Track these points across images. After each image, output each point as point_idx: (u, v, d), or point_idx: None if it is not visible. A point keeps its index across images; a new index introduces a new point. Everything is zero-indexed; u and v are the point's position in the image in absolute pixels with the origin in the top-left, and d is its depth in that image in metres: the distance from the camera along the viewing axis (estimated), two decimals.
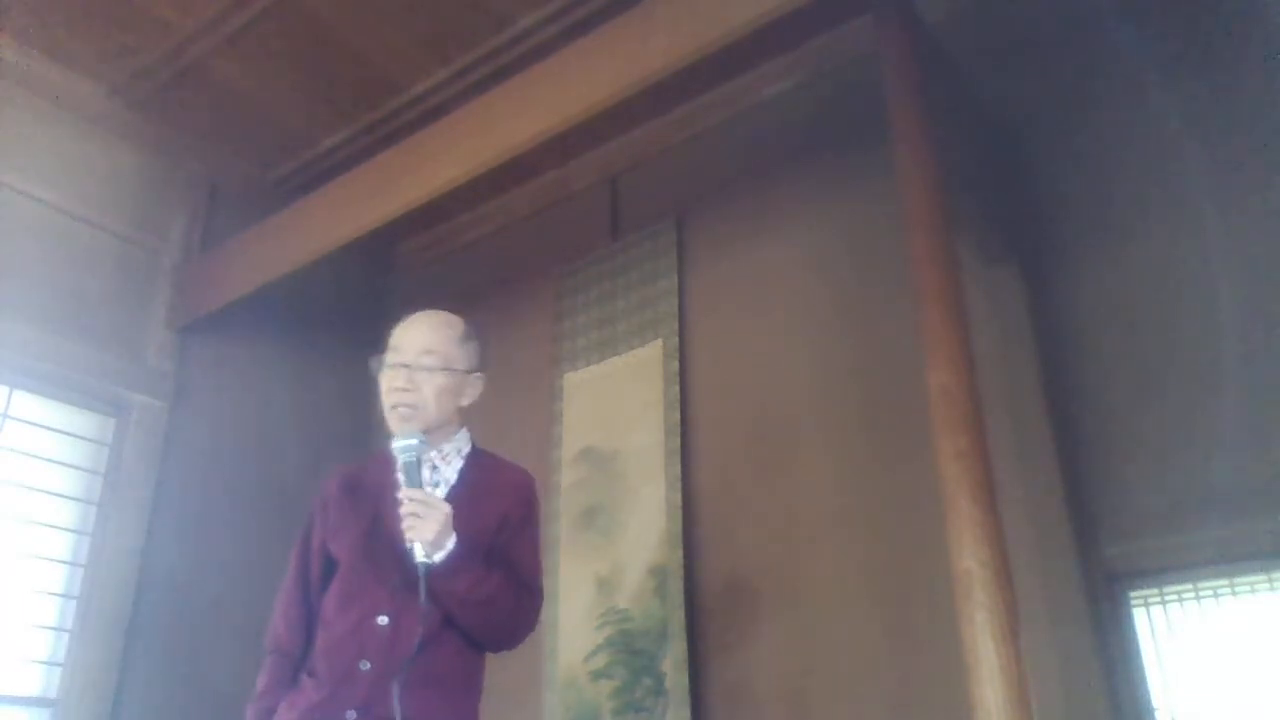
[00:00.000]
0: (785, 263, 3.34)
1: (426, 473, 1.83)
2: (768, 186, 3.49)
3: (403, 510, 1.68)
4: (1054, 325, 2.78)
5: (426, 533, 1.66)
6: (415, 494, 1.69)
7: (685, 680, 3.00)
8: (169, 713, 3.32)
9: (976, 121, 3.00)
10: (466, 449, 1.94)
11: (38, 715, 3.12)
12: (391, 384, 1.84)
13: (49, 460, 3.29)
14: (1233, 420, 2.42)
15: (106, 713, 3.17)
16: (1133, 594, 2.52)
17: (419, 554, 1.67)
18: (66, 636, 3.20)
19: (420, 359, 1.85)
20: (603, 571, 3.33)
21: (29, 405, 3.29)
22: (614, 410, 3.53)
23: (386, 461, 1.87)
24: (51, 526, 3.26)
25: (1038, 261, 2.86)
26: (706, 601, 3.11)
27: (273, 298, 3.73)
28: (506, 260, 4.25)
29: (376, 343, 5.06)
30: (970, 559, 2.01)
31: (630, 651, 3.16)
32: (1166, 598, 2.49)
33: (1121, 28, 2.85)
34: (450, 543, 1.70)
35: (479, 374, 1.94)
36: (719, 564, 3.13)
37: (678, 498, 3.23)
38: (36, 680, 3.14)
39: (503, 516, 1.85)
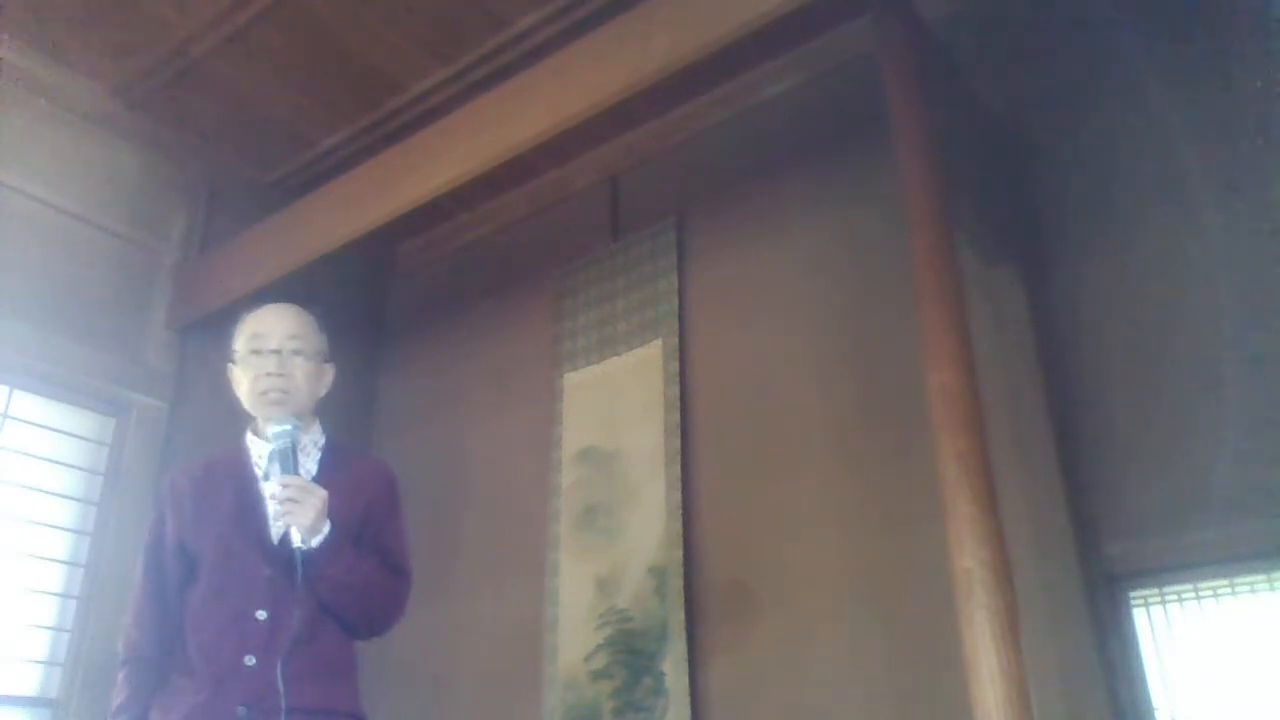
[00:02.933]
0: (785, 262, 3.34)
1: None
2: (768, 186, 3.49)
3: (279, 495, 1.67)
4: (1054, 325, 2.78)
5: (304, 518, 1.66)
6: (292, 480, 1.69)
7: (685, 680, 3.00)
8: None
9: (976, 121, 3.00)
10: (322, 441, 1.93)
11: (38, 715, 3.12)
12: (261, 370, 1.83)
13: (49, 460, 3.29)
14: (1233, 420, 2.42)
15: (106, 713, 3.16)
16: (1133, 594, 2.51)
17: (296, 539, 1.67)
18: (66, 636, 3.20)
19: (288, 343, 1.85)
20: (603, 571, 3.33)
21: (29, 405, 3.29)
22: (614, 410, 3.53)
23: (239, 455, 1.87)
24: (51, 526, 3.26)
25: (1038, 261, 2.86)
26: (706, 601, 3.11)
27: (272, 298, 3.72)
28: (506, 260, 4.25)
29: (377, 343, 5.07)
30: (970, 559, 2.01)
31: (630, 651, 3.16)
32: (1166, 598, 2.49)
33: (1121, 27, 2.85)
34: (326, 528, 1.70)
35: (331, 364, 1.96)
36: (719, 564, 3.13)
37: (678, 498, 3.23)
38: (36, 680, 3.14)
39: (367, 506, 1.85)
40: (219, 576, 1.76)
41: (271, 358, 1.84)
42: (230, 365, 1.93)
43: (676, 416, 3.35)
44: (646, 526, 3.27)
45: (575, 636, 3.31)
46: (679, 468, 3.27)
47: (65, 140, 3.57)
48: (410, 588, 1.90)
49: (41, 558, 3.22)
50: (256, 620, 1.71)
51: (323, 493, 1.70)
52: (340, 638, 1.78)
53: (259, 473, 1.83)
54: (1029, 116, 3.00)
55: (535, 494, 3.65)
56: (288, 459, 1.72)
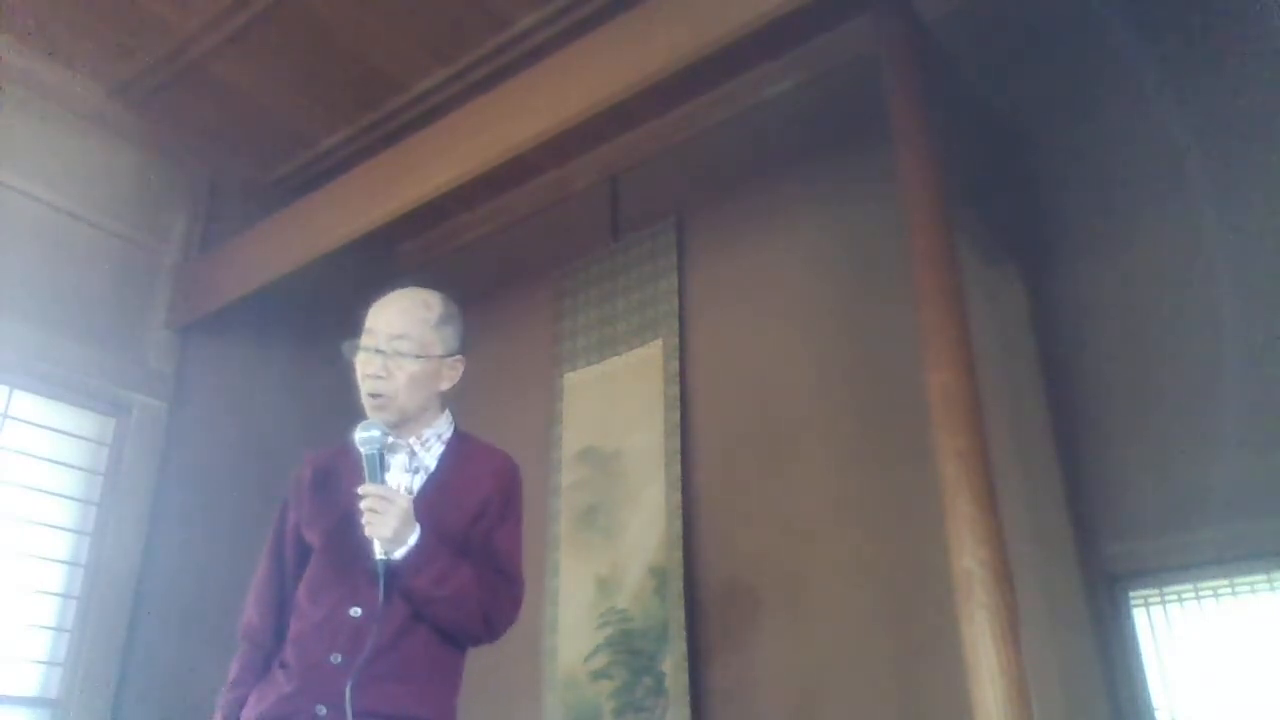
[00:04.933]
0: (785, 263, 3.34)
1: (404, 459, 1.80)
2: (768, 186, 3.49)
3: (362, 505, 1.64)
4: (1054, 325, 2.78)
5: (384, 529, 1.62)
6: (373, 489, 1.65)
7: (685, 680, 3.00)
8: (169, 713, 3.31)
9: (977, 122, 3.00)
10: (448, 434, 1.88)
11: (38, 715, 3.12)
12: (364, 370, 1.79)
13: (49, 460, 3.29)
14: (1233, 420, 2.41)
15: (106, 713, 3.17)
16: (1133, 594, 2.51)
17: (378, 551, 1.64)
18: (66, 636, 3.20)
19: (393, 344, 1.79)
20: (603, 571, 3.33)
21: (29, 405, 3.29)
22: (614, 410, 3.53)
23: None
24: (51, 526, 3.26)
25: (1038, 261, 2.86)
26: (706, 601, 3.11)
27: (273, 298, 3.73)
28: (506, 260, 4.25)
29: None
30: (970, 559, 2.01)
31: (630, 651, 3.16)
32: (1166, 598, 2.49)
33: (1121, 27, 2.85)
34: (412, 538, 1.65)
35: (458, 357, 1.88)
36: (719, 564, 3.13)
37: (678, 498, 3.23)
38: (36, 680, 3.14)
39: (482, 504, 1.80)
40: (324, 570, 1.74)
41: (376, 358, 1.78)
42: None
43: (676, 416, 3.35)
44: (646, 526, 3.27)
45: (575, 636, 3.31)
46: (679, 468, 3.27)
47: (65, 140, 3.57)
48: (521, 592, 1.85)
49: (41, 558, 3.22)
50: (350, 618, 1.67)
51: (405, 502, 1.65)
52: (433, 644, 1.72)
53: (383, 468, 1.77)
54: (1029, 116, 2.99)
55: (535, 494, 3.65)
56: (374, 466, 1.67)
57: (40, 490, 3.25)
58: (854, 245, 3.18)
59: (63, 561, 3.26)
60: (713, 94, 3.71)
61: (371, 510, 1.63)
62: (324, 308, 4.25)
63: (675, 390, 3.39)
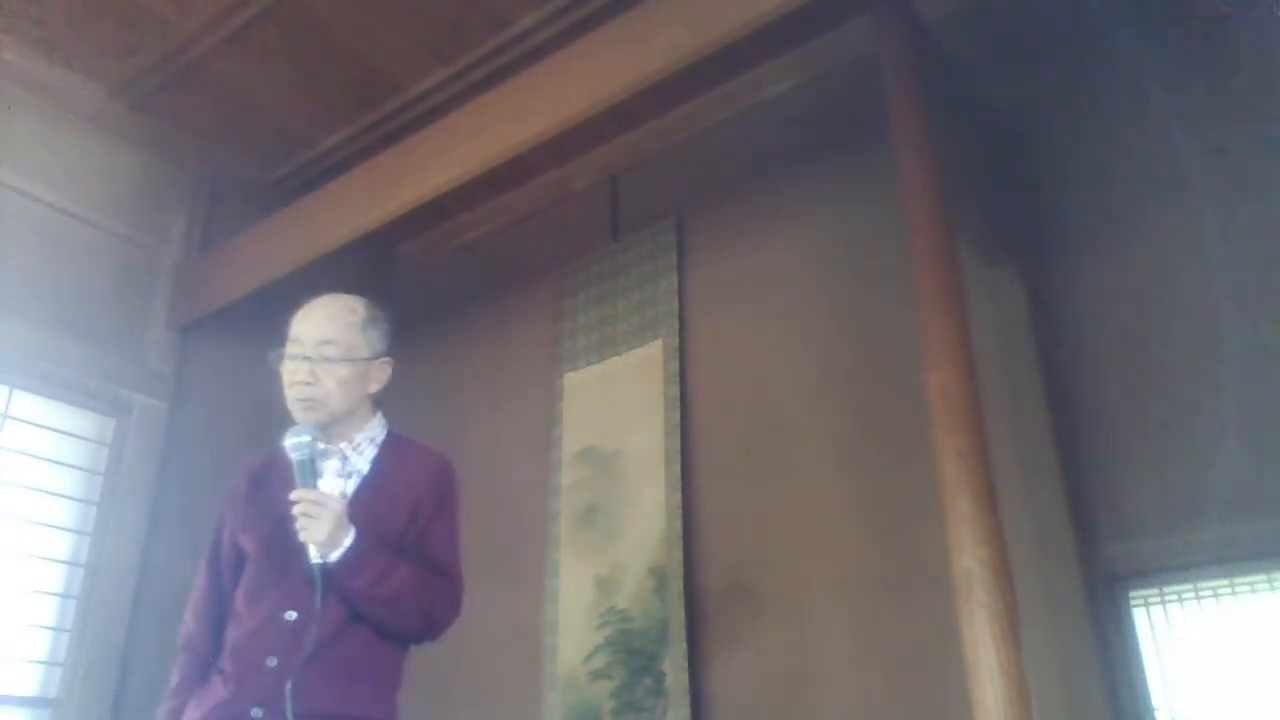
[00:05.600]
0: (785, 262, 3.34)
1: (337, 464, 1.81)
2: (768, 186, 3.49)
3: (295, 511, 1.65)
4: (1054, 325, 2.78)
5: (318, 534, 1.63)
6: (306, 494, 1.66)
7: (685, 680, 3.00)
8: None
9: (976, 121, 3.00)
10: (381, 437, 1.89)
11: (38, 715, 3.12)
12: (292, 377, 1.80)
13: (49, 460, 3.29)
14: (1232, 420, 2.42)
15: (106, 713, 3.17)
16: (1133, 594, 2.51)
17: (313, 555, 1.65)
18: (66, 636, 3.20)
19: (320, 349, 1.81)
20: (603, 571, 3.33)
21: (29, 405, 3.29)
22: (614, 410, 3.53)
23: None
24: (51, 526, 3.26)
25: (1038, 261, 2.86)
26: (706, 601, 3.11)
27: (273, 298, 3.72)
28: (506, 260, 4.25)
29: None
30: (970, 559, 2.01)
31: (630, 651, 3.16)
32: (1166, 598, 2.49)
33: (1121, 27, 2.85)
34: (347, 540, 1.66)
35: (385, 359, 1.90)
36: (719, 564, 3.13)
37: (678, 498, 3.23)
38: (36, 680, 3.14)
39: (416, 505, 1.81)
40: (259, 576, 1.75)
41: (303, 364, 1.80)
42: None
43: (676, 416, 3.35)
44: (646, 526, 3.27)
45: (575, 636, 3.31)
46: (679, 468, 3.27)
47: (65, 140, 3.57)
48: (461, 590, 1.86)
49: (41, 558, 3.22)
50: (286, 621, 1.69)
51: (338, 506, 1.66)
52: (372, 643, 1.73)
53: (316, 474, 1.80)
54: (1029, 116, 2.99)
55: (535, 494, 3.65)
56: (305, 471, 1.68)
57: (40, 490, 3.25)
58: (854, 245, 3.18)
59: (63, 561, 3.26)
60: (713, 94, 3.71)
61: (305, 515, 1.64)
62: None
63: (675, 390, 3.39)
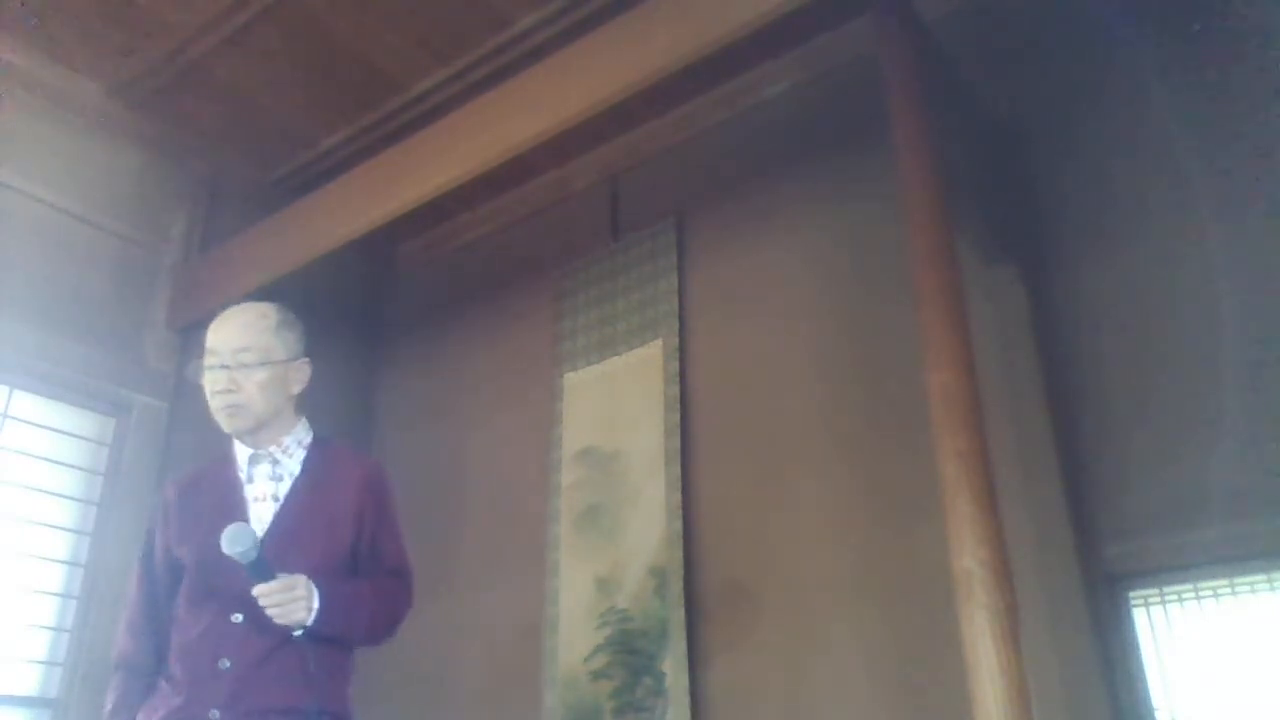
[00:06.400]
0: (785, 262, 3.34)
1: (268, 468, 1.85)
2: (767, 186, 3.49)
3: (265, 606, 1.65)
4: (1054, 325, 2.78)
5: (300, 615, 1.66)
6: (270, 588, 1.65)
7: (685, 680, 3.00)
8: None
9: (976, 121, 3.00)
10: (308, 439, 1.92)
11: (38, 715, 3.12)
12: (213, 387, 1.84)
13: (49, 460, 3.29)
14: (1233, 420, 2.42)
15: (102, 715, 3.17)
16: (1133, 594, 2.51)
17: (296, 631, 1.68)
18: (66, 636, 3.20)
19: (237, 357, 1.84)
20: (603, 571, 3.33)
21: (29, 405, 3.29)
22: (614, 410, 3.53)
23: (225, 460, 1.89)
24: (51, 526, 3.26)
25: (1038, 261, 2.86)
26: (706, 601, 3.11)
27: (273, 297, 3.71)
28: (506, 260, 4.25)
29: (377, 343, 5.07)
30: (970, 559, 2.01)
31: (630, 651, 3.16)
32: (1166, 598, 2.49)
33: (1121, 27, 2.85)
34: (316, 603, 1.69)
35: (303, 359, 1.93)
36: (719, 564, 3.13)
37: (678, 498, 3.23)
38: (36, 680, 3.14)
39: (358, 509, 1.84)
40: (201, 582, 1.77)
41: (221, 374, 1.83)
42: None
43: (676, 416, 3.35)
44: (646, 526, 3.27)
45: (575, 636, 3.31)
46: (679, 468, 3.27)
47: (65, 140, 3.57)
48: (412, 584, 1.91)
49: (41, 558, 3.22)
50: (232, 623, 1.72)
51: (301, 582, 1.67)
52: (325, 643, 1.76)
53: (243, 476, 1.85)
54: (1029, 116, 3.00)
55: (535, 494, 3.65)
56: (259, 570, 1.65)
57: (40, 490, 3.25)
58: (854, 245, 3.18)
59: (63, 561, 3.26)
60: (713, 94, 3.71)
61: (278, 606, 1.65)
62: (324, 308, 4.25)
63: (675, 390, 3.38)
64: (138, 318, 3.64)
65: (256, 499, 1.83)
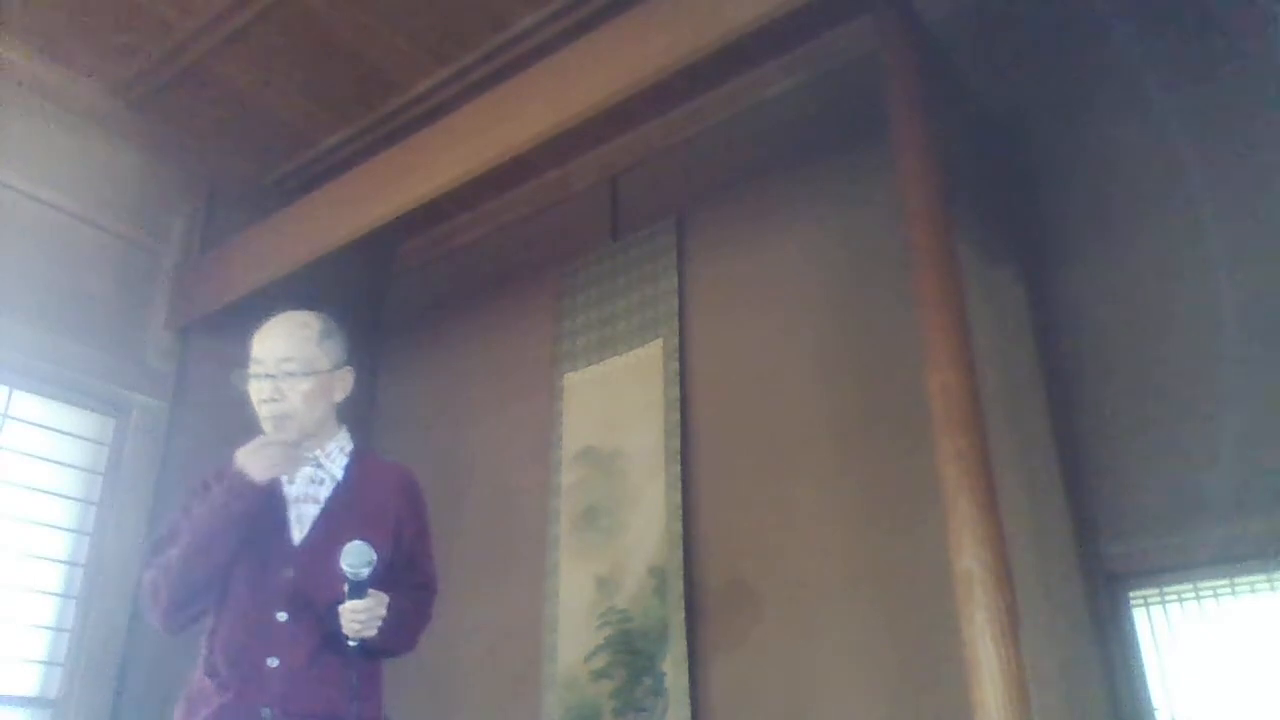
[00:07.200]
0: (785, 263, 3.34)
1: (311, 470, 1.89)
2: (768, 186, 3.49)
3: (351, 622, 1.70)
4: (1054, 325, 2.78)
5: (372, 631, 1.72)
6: (363, 604, 1.71)
7: (685, 680, 3.00)
8: (169, 713, 3.31)
9: (976, 121, 3.00)
10: (349, 447, 1.97)
11: (38, 715, 3.12)
12: (259, 396, 1.88)
13: (49, 460, 3.29)
14: (1232, 420, 2.42)
15: (106, 713, 3.17)
16: (1133, 594, 2.51)
17: (353, 641, 1.73)
18: (66, 636, 3.20)
19: (281, 367, 1.88)
20: (603, 571, 3.33)
21: (29, 405, 3.29)
22: (614, 410, 3.53)
23: None
24: (51, 526, 3.26)
25: (1038, 261, 2.86)
26: (706, 601, 3.11)
27: (273, 297, 3.72)
28: (506, 260, 4.25)
29: (377, 343, 5.06)
30: (970, 559, 2.01)
31: (630, 651, 3.16)
32: (1166, 598, 2.49)
33: (1121, 28, 2.85)
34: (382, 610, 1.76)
35: (346, 368, 1.97)
36: (719, 564, 3.13)
37: (678, 498, 3.23)
38: (36, 680, 3.14)
39: (397, 520, 1.89)
40: (243, 578, 1.79)
41: (267, 383, 1.87)
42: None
43: (676, 416, 3.35)
44: (646, 526, 3.27)
45: (575, 636, 3.31)
46: (679, 468, 3.27)
47: (65, 140, 3.57)
48: (435, 594, 1.99)
49: (41, 558, 3.22)
50: (278, 621, 1.75)
51: (384, 601, 1.74)
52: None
53: (284, 477, 1.88)
54: (1029, 116, 2.99)
55: (535, 494, 3.65)
56: (360, 588, 1.71)
57: (40, 490, 3.25)
58: (854, 245, 3.18)
59: (63, 561, 3.26)
60: (713, 94, 3.71)
61: (363, 624, 1.71)
62: (324, 308, 4.25)
63: (675, 390, 3.38)
64: (138, 318, 3.64)
65: (297, 499, 1.87)
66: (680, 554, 3.15)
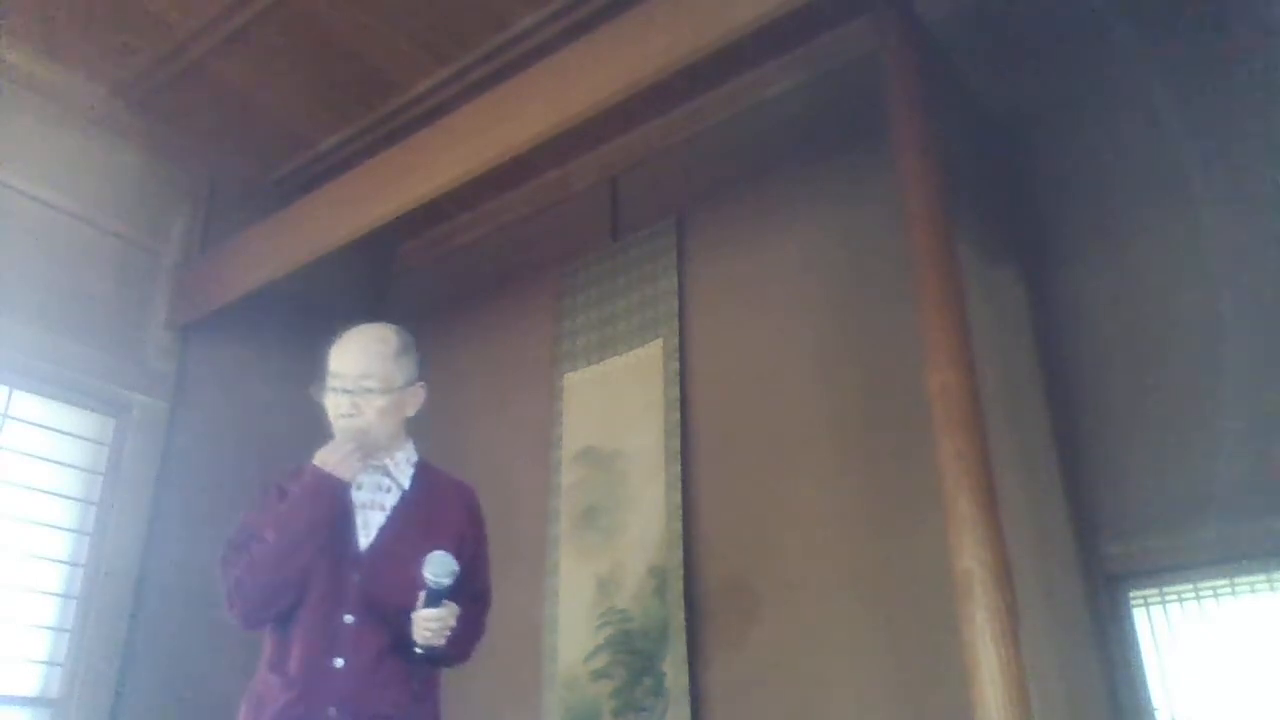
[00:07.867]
0: (785, 263, 3.34)
1: (379, 478, 1.93)
2: (768, 186, 3.49)
3: (424, 631, 1.76)
4: (1054, 326, 2.78)
5: (442, 640, 1.78)
6: (439, 613, 1.76)
7: (685, 680, 3.00)
8: (169, 713, 3.32)
9: (976, 121, 3.00)
10: (415, 459, 2.01)
11: (38, 715, 3.12)
12: (336, 410, 1.90)
13: (49, 460, 3.29)
14: (1232, 420, 2.41)
15: (106, 713, 3.17)
16: (1133, 594, 2.51)
17: (419, 648, 1.78)
18: (66, 636, 3.20)
19: (359, 383, 1.90)
20: (603, 571, 3.33)
21: (29, 405, 3.29)
22: (614, 410, 3.53)
23: None
24: (51, 526, 3.26)
25: (1038, 261, 2.86)
26: (706, 601, 3.11)
27: (273, 297, 3.73)
28: (506, 260, 4.25)
29: None
30: (970, 559, 2.02)
31: (630, 651, 3.16)
32: (1166, 598, 2.49)
33: (1121, 28, 2.85)
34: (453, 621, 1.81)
35: (419, 384, 2.00)
36: (719, 564, 3.13)
37: (678, 498, 3.23)
38: (36, 680, 3.14)
39: (460, 532, 1.93)
40: (312, 581, 1.82)
41: (344, 398, 1.90)
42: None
43: (676, 416, 3.35)
44: (646, 526, 3.27)
45: (575, 636, 3.31)
46: (679, 468, 3.27)
47: (65, 140, 3.57)
48: (489, 608, 2.05)
49: (41, 558, 3.22)
50: (345, 623, 1.79)
51: (457, 611, 1.79)
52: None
53: (353, 483, 1.91)
54: (1029, 117, 2.99)
55: (535, 494, 3.65)
56: (437, 597, 1.76)
57: (40, 490, 3.25)
58: (854, 245, 3.18)
59: (63, 561, 3.26)
60: (713, 94, 3.71)
61: (434, 632, 1.77)
62: (324, 308, 4.25)
63: (675, 390, 3.38)
64: (138, 318, 3.63)
65: (363, 505, 1.90)
66: (680, 554, 3.15)
